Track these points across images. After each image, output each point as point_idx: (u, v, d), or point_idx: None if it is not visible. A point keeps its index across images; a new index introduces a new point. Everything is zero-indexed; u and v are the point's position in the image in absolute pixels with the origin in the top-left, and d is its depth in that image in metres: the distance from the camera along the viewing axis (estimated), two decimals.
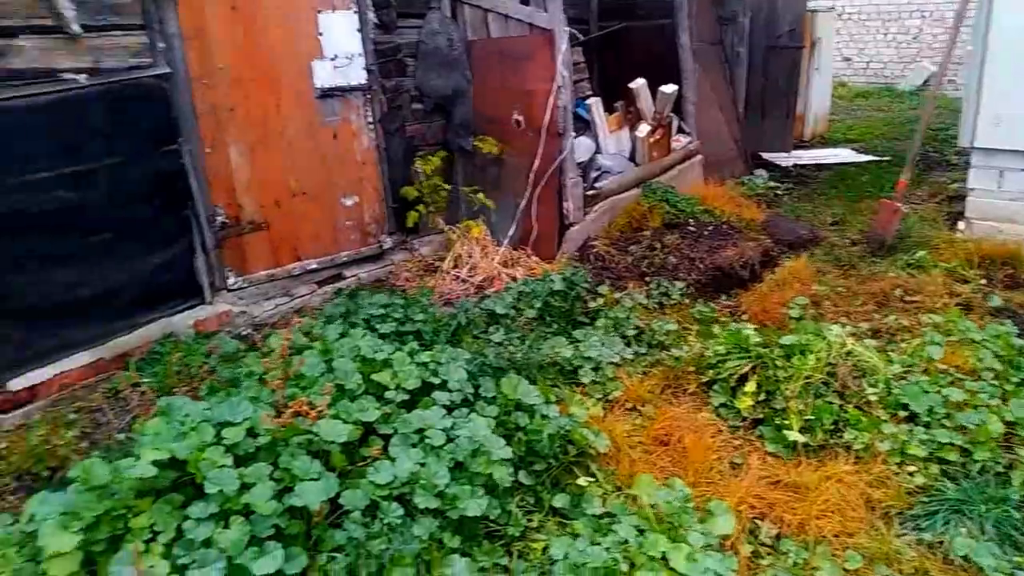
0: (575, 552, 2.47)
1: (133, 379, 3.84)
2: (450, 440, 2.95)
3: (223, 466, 2.77)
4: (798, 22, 9.01)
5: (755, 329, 3.80)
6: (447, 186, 5.58)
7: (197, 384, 3.83)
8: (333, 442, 2.90)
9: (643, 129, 6.02)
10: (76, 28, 3.72)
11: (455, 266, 5.34)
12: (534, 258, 5.39)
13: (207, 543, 2.59)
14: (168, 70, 4.08)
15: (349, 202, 5.14)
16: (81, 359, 3.85)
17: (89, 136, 3.79)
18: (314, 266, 4.99)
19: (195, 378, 3.91)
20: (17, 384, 3.63)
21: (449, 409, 3.15)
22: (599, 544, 2.48)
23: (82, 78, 3.74)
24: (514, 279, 5.07)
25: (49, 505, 2.64)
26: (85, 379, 3.85)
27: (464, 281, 5.19)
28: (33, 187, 3.61)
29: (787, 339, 3.56)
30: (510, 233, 5.48)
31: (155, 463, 2.72)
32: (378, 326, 4.07)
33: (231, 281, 4.56)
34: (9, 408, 3.59)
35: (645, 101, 6.19)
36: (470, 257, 5.33)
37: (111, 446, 3.44)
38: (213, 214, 4.42)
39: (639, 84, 6.13)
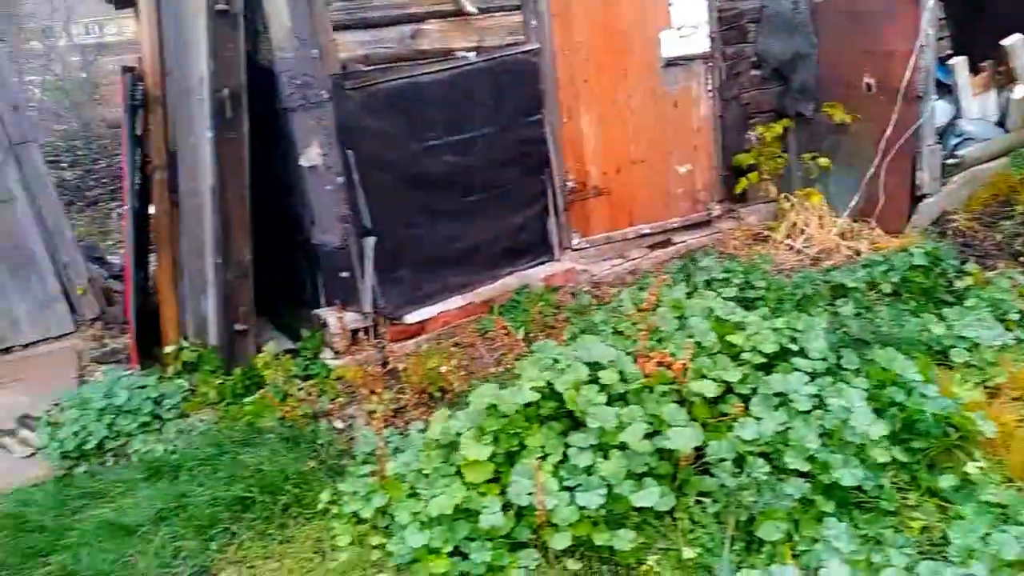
0: (974, 539, 2.33)
1: (497, 322, 4.34)
2: (815, 407, 2.94)
3: (596, 403, 3.05)
4: None
5: None
6: (783, 154, 5.41)
7: (551, 331, 4.22)
8: (699, 394, 3.04)
9: (1019, 91, 5.28)
10: (472, 9, 4.22)
11: (788, 236, 5.20)
12: (877, 231, 5.04)
13: (588, 470, 2.88)
14: (537, 45, 4.47)
15: (682, 169, 5.22)
16: (457, 302, 4.44)
17: (472, 108, 4.32)
18: (646, 231, 5.18)
19: (549, 326, 4.31)
20: (411, 318, 4.30)
21: (810, 377, 3.12)
22: (1005, 532, 2.31)
23: (471, 56, 4.25)
24: (857, 252, 4.81)
25: (459, 420, 3.13)
26: (458, 319, 4.44)
27: (798, 252, 5.04)
28: (431, 152, 4.21)
29: None
30: (851, 204, 5.17)
31: (536, 391, 3.08)
32: (720, 290, 4.14)
33: (575, 242, 4.92)
34: (404, 338, 4.27)
35: (1021, 59, 5.41)
36: (806, 227, 5.15)
37: (487, 377, 3.94)
38: (564, 179, 4.79)
39: (1015, 40, 5.37)
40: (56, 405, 3.88)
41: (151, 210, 4.19)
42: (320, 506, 3.17)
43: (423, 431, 3.35)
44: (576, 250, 4.94)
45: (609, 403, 3.04)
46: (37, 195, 4.58)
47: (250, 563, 2.97)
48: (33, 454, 3.72)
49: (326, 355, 4.13)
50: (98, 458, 3.63)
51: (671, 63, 4.97)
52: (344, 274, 4.13)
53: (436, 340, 4.28)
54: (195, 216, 3.86)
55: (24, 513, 3.29)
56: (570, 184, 4.82)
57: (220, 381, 3.94)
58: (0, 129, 4.42)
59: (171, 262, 4.05)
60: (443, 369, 3.91)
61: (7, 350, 4.70)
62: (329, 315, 4.12)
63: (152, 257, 4.55)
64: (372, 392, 3.82)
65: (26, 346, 4.74)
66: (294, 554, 2.98)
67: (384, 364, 4.12)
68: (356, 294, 4.16)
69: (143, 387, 3.86)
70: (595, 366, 3.17)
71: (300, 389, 3.90)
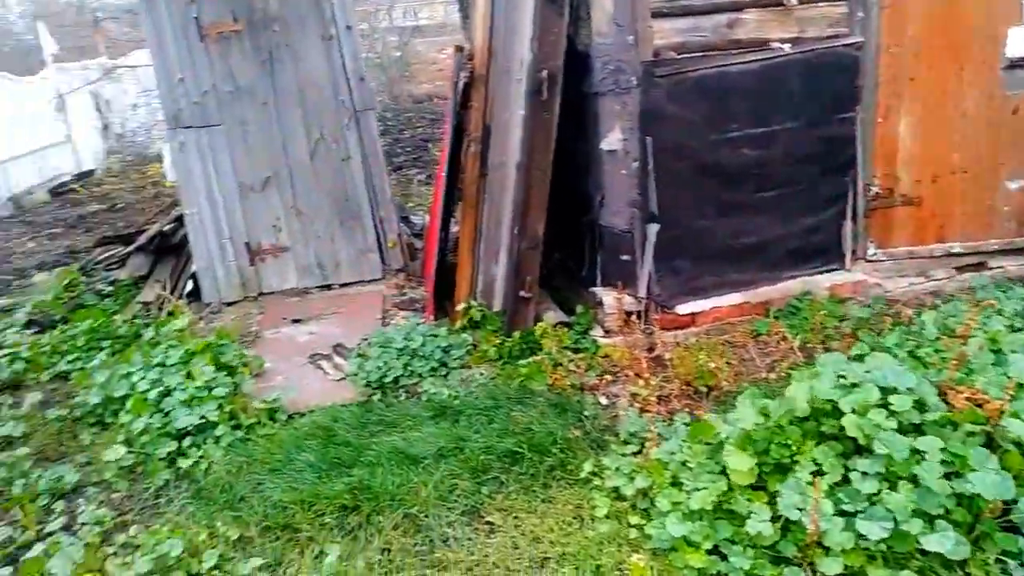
0: None
1: (773, 326, 4.18)
2: None
3: (884, 429, 2.82)
4: None
5: None
6: None
7: (831, 344, 3.97)
8: (1015, 441, 2.69)
9: None
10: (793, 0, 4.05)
11: None
12: None
13: (871, 498, 2.69)
14: (861, 39, 4.16)
15: (1013, 186, 4.58)
16: (732, 299, 4.34)
17: (780, 101, 4.15)
18: (957, 250, 4.64)
19: (829, 338, 4.05)
20: (682, 309, 4.29)
21: None
22: None
23: (786, 47, 4.08)
24: None
25: (728, 425, 3.08)
26: (730, 317, 4.34)
27: None
28: (729, 143, 4.13)
29: None
30: None
31: (817, 408, 2.93)
32: None
33: (871, 252, 4.56)
34: (674, 327, 4.28)
35: None
36: None
37: (757, 381, 3.83)
38: (868, 184, 4.44)
39: None
40: (365, 340, 4.47)
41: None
42: (582, 475, 3.31)
43: (690, 424, 3.34)
44: (870, 261, 4.57)
45: (900, 432, 2.82)
46: (369, 156, 5.26)
47: (515, 513, 3.19)
48: (343, 379, 4.31)
49: (596, 332, 4.28)
50: (393, 392, 4.12)
51: (1016, 64, 4.36)
52: (624, 257, 4.23)
53: (705, 334, 4.24)
54: (499, 187, 4.18)
55: (333, 428, 3.82)
56: (874, 189, 4.46)
57: (500, 341, 4.26)
58: (348, 97, 5.13)
59: (472, 227, 4.43)
60: (712, 366, 3.86)
61: (328, 287, 5.49)
62: (606, 295, 4.25)
63: (453, 221, 5.02)
64: (638, 375, 3.88)
65: (342, 286, 5.50)
66: (555, 515, 3.15)
67: (650, 350, 4.17)
68: (633, 278, 4.24)
69: (435, 336, 4.30)
70: (889, 390, 2.94)
71: (570, 361, 4.08)
